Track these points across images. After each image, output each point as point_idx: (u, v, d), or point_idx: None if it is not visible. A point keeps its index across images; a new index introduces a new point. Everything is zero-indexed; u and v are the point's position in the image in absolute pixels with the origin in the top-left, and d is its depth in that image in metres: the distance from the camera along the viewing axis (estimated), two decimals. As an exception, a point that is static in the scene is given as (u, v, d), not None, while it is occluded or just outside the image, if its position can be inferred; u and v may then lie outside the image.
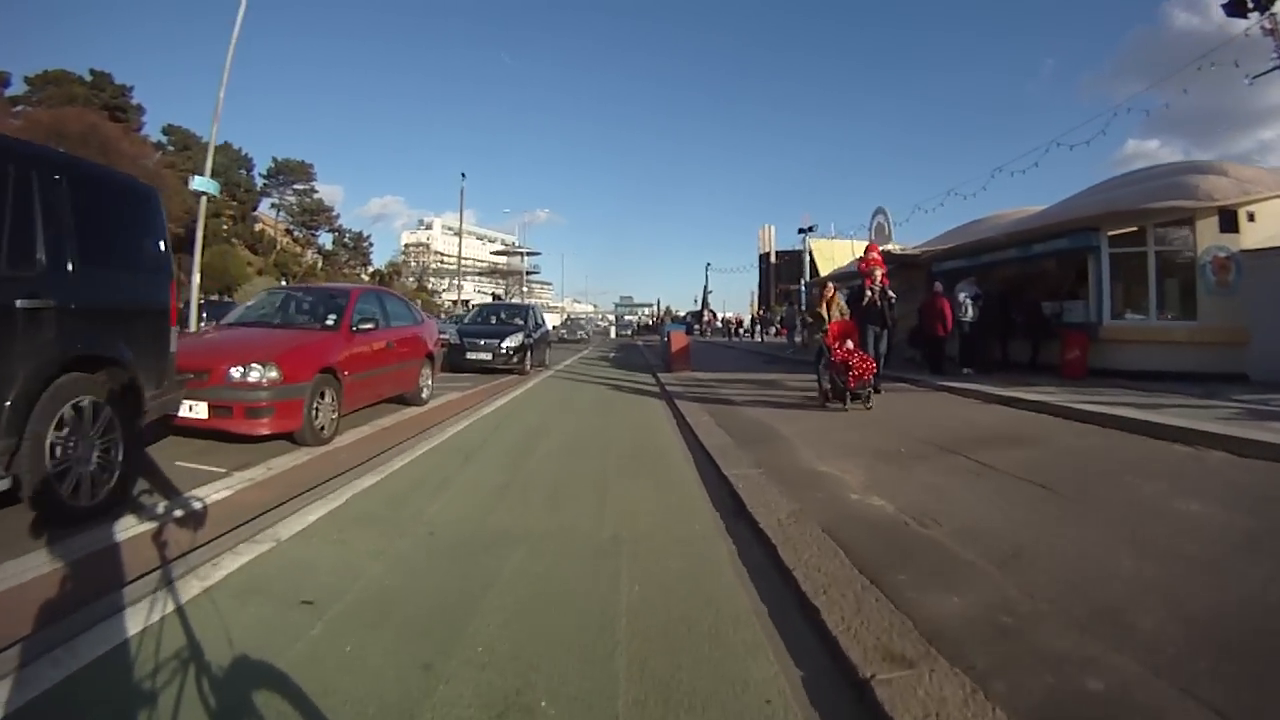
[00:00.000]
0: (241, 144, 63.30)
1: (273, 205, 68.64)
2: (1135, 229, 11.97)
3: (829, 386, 7.99)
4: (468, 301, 50.44)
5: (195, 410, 5.83)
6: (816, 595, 2.83)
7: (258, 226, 65.02)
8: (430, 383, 9.24)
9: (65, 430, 3.90)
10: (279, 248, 64.64)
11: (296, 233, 70.28)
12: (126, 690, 2.12)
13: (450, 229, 62.94)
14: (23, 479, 3.59)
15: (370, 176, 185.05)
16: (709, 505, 4.38)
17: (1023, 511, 4.11)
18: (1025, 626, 2.57)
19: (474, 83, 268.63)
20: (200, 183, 20.75)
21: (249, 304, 8.34)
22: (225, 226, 58.11)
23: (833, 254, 39.13)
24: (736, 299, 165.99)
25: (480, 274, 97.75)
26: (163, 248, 5.24)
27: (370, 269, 78.45)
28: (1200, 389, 9.36)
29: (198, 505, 4.16)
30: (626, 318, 68.30)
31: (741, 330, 45.03)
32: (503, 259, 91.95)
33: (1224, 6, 11.40)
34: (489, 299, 50.26)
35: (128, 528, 3.73)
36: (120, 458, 4.36)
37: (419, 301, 64.79)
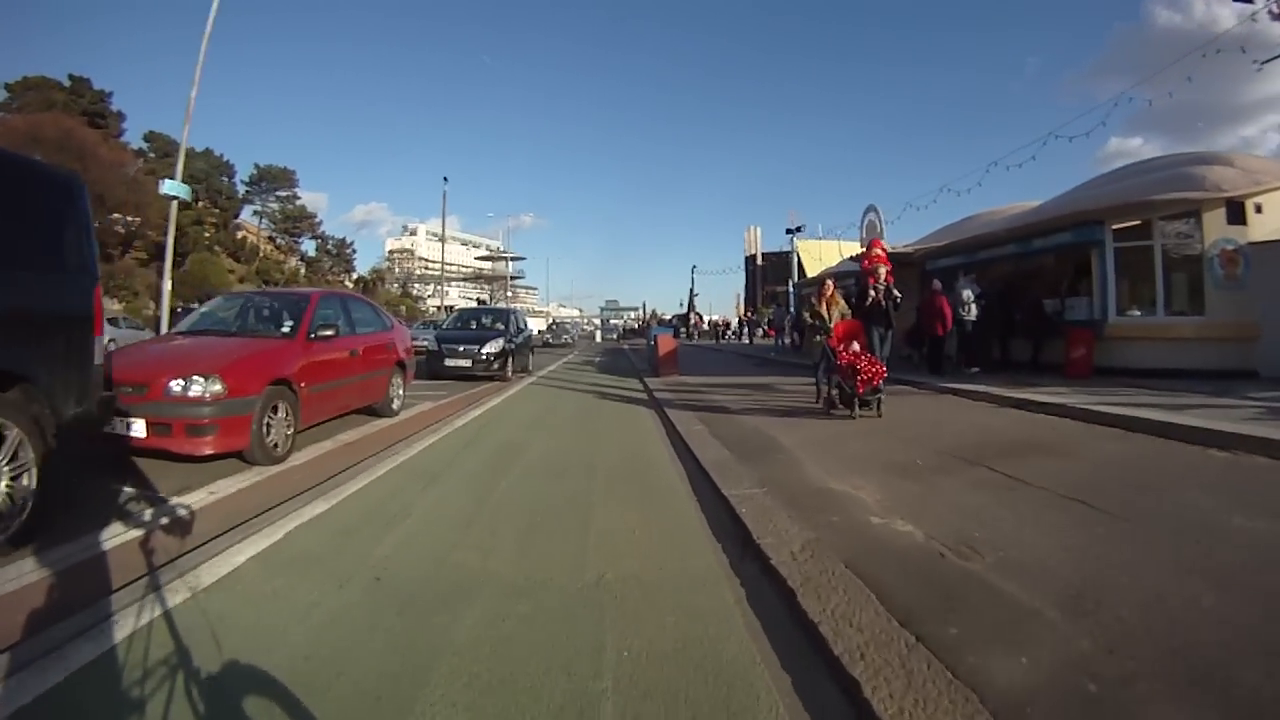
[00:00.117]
0: (225, 151, 62.77)
1: (255, 212, 68.18)
2: (1139, 222, 11.59)
3: (834, 392, 7.42)
4: (451, 307, 49.64)
5: (133, 428, 5.20)
6: (854, 662, 2.25)
7: (240, 234, 64.07)
8: (402, 392, 8.59)
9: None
10: (261, 255, 63.64)
11: (279, 240, 69.40)
12: None
13: (435, 235, 62.19)
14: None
15: (355, 183, 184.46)
16: (709, 535, 3.78)
17: (1070, 536, 3.55)
18: (1119, 696, 2.03)
19: (456, 87, 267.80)
20: (171, 186, 20.08)
21: (203, 310, 7.65)
22: (208, 234, 57.34)
23: (820, 254, 38.83)
24: (722, 302, 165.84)
25: (465, 279, 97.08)
26: (85, 245, 4.56)
27: (354, 275, 77.76)
28: (1211, 386, 8.97)
29: (111, 544, 3.51)
30: (612, 322, 67.86)
31: (729, 333, 44.48)
32: (487, 264, 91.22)
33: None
34: (474, 304, 49.44)
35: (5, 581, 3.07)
36: (33, 486, 3.72)
37: (403, 308, 64.66)
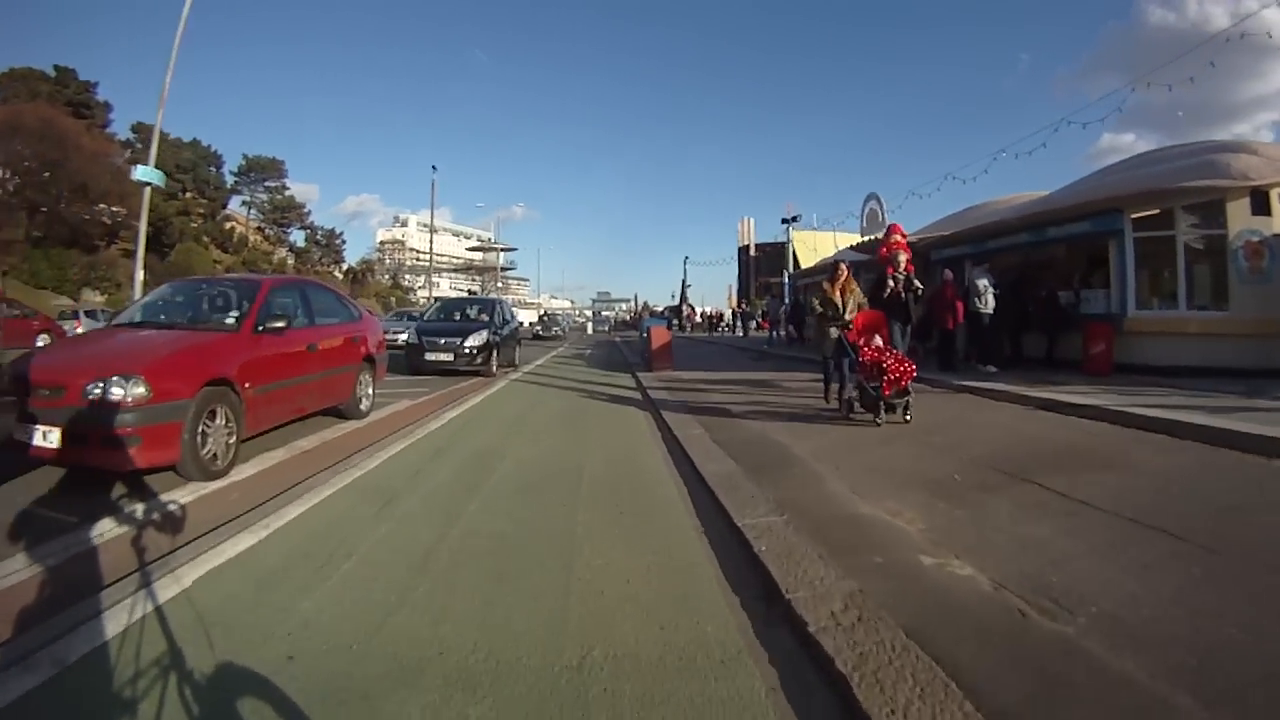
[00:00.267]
0: (219, 144, 61.87)
1: (244, 203, 67.06)
2: (1159, 211, 10.94)
3: (854, 394, 6.66)
4: (439, 299, 48.67)
5: (47, 438, 4.43)
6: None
7: (228, 224, 62.91)
8: (371, 391, 7.78)
9: None
10: (250, 246, 62.49)
11: (268, 231, 68.18)
12: None
13: (426, 226, 61.14)
14: None
15: (346, 175, 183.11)
16: (722, 584, 3.02)
17: (1163, 579, 2.88)
18: None
19: (448, 80, 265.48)
20: (143, 172, 19.11)
21: (145, 300, 6.81)
22: (195, 224, 56.25)
23: (816, 245, 38.01)
24: (714, 293, 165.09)
25: (456, 270, 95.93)
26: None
27: (343, 267, 76.70)
28: (1241, 386, 8.34)
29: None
30: (604, 314, 67.28)
31: (722, 325, 43.70)
32: (478, 255, 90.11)
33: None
34: (464, 295, 48.48)
35: None
36: None
37: (393, 299, 63.57)
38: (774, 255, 53.89)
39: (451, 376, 12.32)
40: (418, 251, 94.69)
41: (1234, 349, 9.95)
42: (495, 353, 13.02)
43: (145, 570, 3.03)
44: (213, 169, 60.86)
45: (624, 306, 73.87)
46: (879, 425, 6.18)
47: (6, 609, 2.67)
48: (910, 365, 6.18)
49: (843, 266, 7.13)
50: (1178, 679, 2.05)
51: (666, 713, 1.99)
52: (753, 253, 64.46)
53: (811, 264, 30.44)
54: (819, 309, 7.12)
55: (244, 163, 65.35)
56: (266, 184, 67.65)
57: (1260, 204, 10.18)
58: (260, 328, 5.68)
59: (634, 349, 21.46)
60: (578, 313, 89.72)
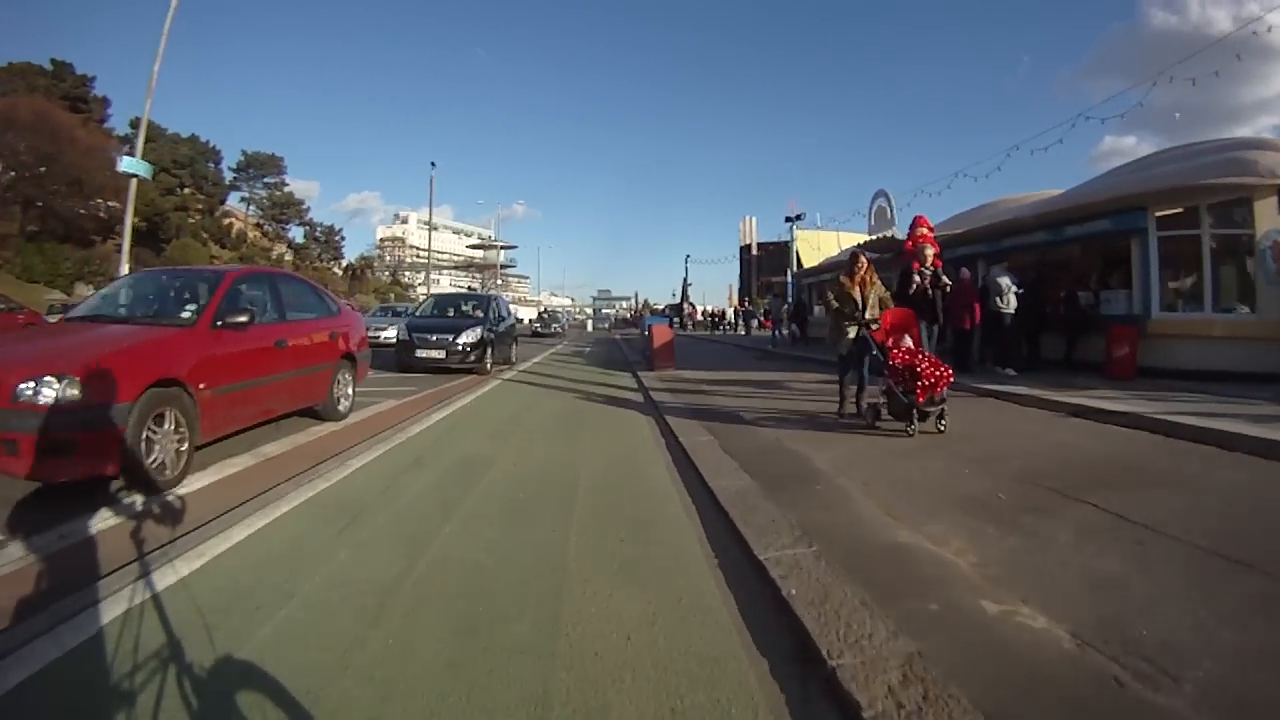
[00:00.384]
0: (219, 141, 61.36)
1: (243, 199, 66.43)
2: (1182, 209, 10.50)
3: (881, 401, 6.08)
4: (434, 294, 48.11)
5: (-26, 443, 3.88)
6: None
7: (226, 220, 62.30)
8: (351, 391, 7.21)
9: None
10: (248, 242, 61.91)
11: (267, 227, 67.56)
12: None
13: (426, 223, 60.56)
14: None
15: (347, 172, 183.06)
16: (745, 641, 2.43)
17: (1268, 629, 2.37)
18: None
19: (449, 78, 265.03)
20: (129, 164, 18.46)
21: (104, 291, 6.25)
22: (193, 220, 55.68)
23: (819, 244, 37.32)
24: (715, 292, 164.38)
25: (456, 268, 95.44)
26: None
27: (343, 263, 76.19)
28: (1268, 392, 7.86)
29: None
30: (604, 311, 66.80)
31: (724, 324, 43.08)
32: (479, 253, 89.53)
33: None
34: (460, 291, 47.78)
35: None
36: None
37: (392, 295, 62.98)
38: (776, 254, 53.28)
39: (444, 375, 11.77)
40: (418, 249, 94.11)
41: (1260, 353, 9.50)
42: (490, 350, 12.45)
43: (29, 622, 2.47)
44: (211, 165, 60.26)
45: (624, 305, 73.30)
46: (910, 435, 5.59)
47: None
48: (946, 370, 5.57)
49: (863, 258, 6.48)
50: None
51: None
52: (754, 252, 63.71)
53: (815, 263, 29.79)
54: (835, 305, 6.50)
55: (243, 159, 64.74)
56: (266, 180, 67.10)
57: (1288, 202, 9.75)
58: (219, 323, 5.11)
59: (634, 347, 20.91)
60: (578, 310, 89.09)
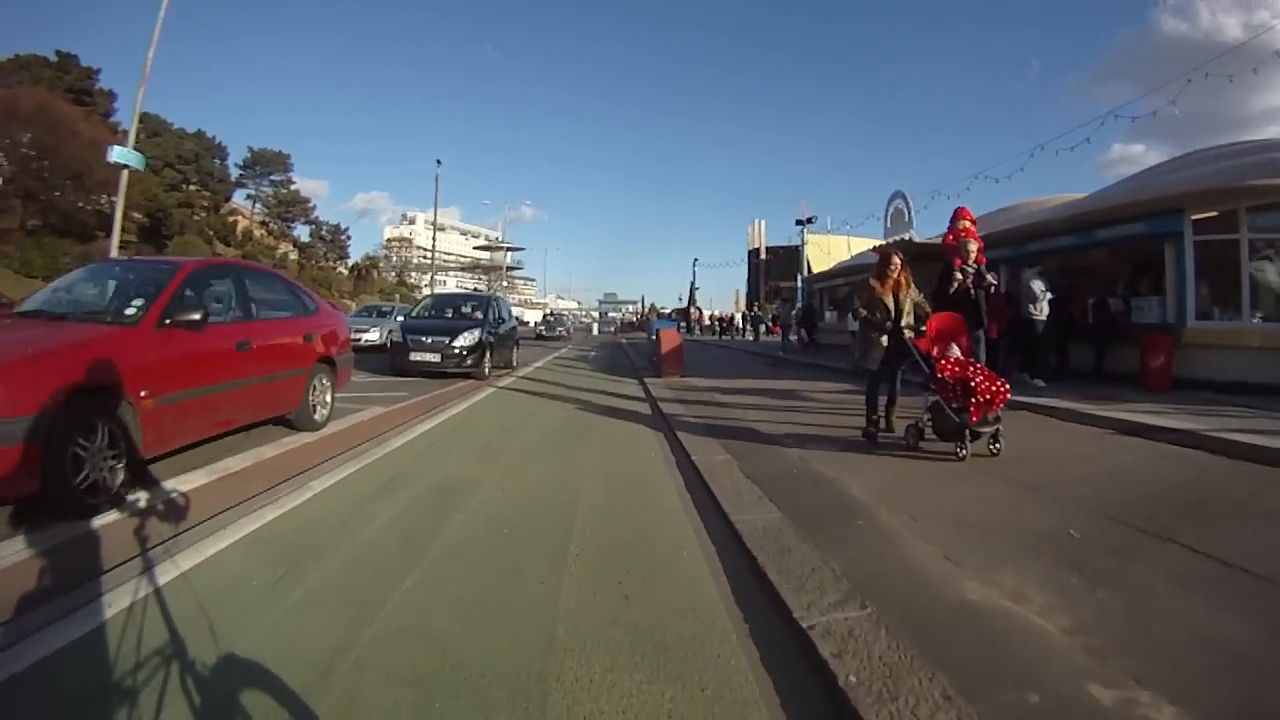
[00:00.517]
0: (228, 139, 61.11)
1: (249, 196, 65.87)
2: (1217, 213, 9.88)
3: (925, 419, 5.31)
4: (432, 294, 47.53)
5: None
6: None
7: (232, 218, 61.89)
8: (329, 398, 6.54)
9: None
10: (253, 239, 61.47)
11: (272, 225, 67.09)
12: None
13: (432, 223, 60.01)
14: None
15: (356, 172, 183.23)
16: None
17: None
18: None
19: (458, 78, 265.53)
20: (119, 153, 17.77)
21: (54, 284, 5.60)
22: (198, 217, 55.27)
23: (829, 249, 36.55)
24: (722, 297, 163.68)
25: (462, 269, 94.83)
26: None
27: (349, 263, 75.78)
28: None
29: None
30: (610, 315, 66.14)
31: (732, 329, 42.31)
32: (485, 254, 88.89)
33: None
34: (460, 291, 47.07)
35: None
36: None
37: (397, 296, 62.43)
38: (785, 258, 52.46)
39: (440, 379, 11.10)
40: (424, 249, 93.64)
41: (1301, 365, 8.93)
42: (488, 354, 11.76)
43: None
44: (217, 161, 59.74)
45: (630, 308, 72.50)
46: (961, 459, 4.88)
47: None
48: (1003, 384, 4.84)
49: (895, 258, 5.71)
50: None
51: None
52: (763, 256, 62.89)
53: (826, 268, 29.07)
54: (864, 313, 5.74)
55: (249, 156, 64.24)
56: (272, 178, 66.54)
57: (1326, 207, 9.15)
58: (168, 321, 4.44)
59: (640, 352, 20.24)
60: (584, 314, 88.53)
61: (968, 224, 7.03)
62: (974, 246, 6.34)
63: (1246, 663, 2.13)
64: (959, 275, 6.22)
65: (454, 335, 11.32)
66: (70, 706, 1.92)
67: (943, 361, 5.10)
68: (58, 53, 46.04)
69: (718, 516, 3.82)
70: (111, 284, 5.23)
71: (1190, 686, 1.98)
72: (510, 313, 15.47)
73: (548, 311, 52.23)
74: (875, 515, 3.75)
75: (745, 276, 69.40)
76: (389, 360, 11.85)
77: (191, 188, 56.74)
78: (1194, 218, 10.01)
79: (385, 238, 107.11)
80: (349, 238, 75.71)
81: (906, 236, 16.56)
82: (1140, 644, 2.28)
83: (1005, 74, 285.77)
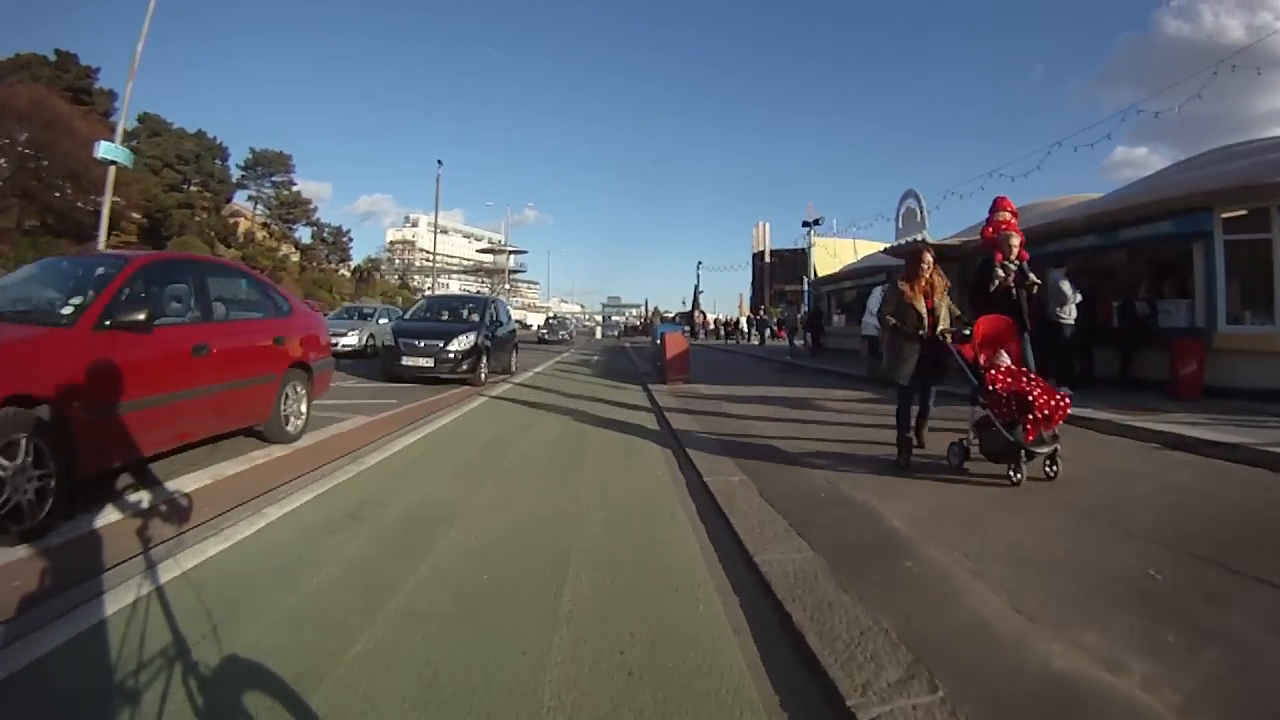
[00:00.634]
0: (231, 141, 60.62)
1: (250, 197, 65.40)
2: (1246, 211, 9.43)
3: (971, 438, 4.68)
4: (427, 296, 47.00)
5: None
6: None
7: (232, 219, 61.46)
8: (304, 407, 5.97)
9: None
10: (254, 241, 61.02)
11: (273, 227, 66.63)
12: None
13: (434, 225, 59.40)
14: None
15: (359, 174, 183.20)
16: None
17: None
18: None
19: (461, 81, 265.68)
20: (107, 149, 17.42)
21: (5, 280, 5.06)
22: (199, 218, 54.85)
23: (836, 252, 35.99)
24: (724, 300, 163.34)
25: (465, 272, 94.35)
26: None
27: (351, 265, 75.33)
28: None
29: None
30: (614, 318, 65.59)
31: (737, 333, 41.69)
32: (488, 257, 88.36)
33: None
34: (457, 293, 46.41)
35: None
36: None
37: (399, 299, 61.92)
38: (790, 261, 51.90)
39: (435, 385, 10.55)
40: (427, 252, 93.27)
41: (1336, 373, 8.46)
42: (485, 358, 11.18)
43: None
44: (218, 162, 59.29)
45: (634, 312, 71.85)
46: (1015, 483, 4.26)
47: None
48: (1064, 399, 4.24)
49: (928, 256, 5.00)
50: None
51: None
52: (768, 259, 62.29)
53: (832, 271, 28.49)
54: (893, 322, 5.00)
55: (250, 156, 63.78)
56: (273, 179, 66.06)
57: (1359, 206, 8.69)
58: (108, 322, 3.89)
59: (644, 356, 19.67)
60: (587, 317, 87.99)
61: (1009, 215, 6.41)
62: (1016, 240, 5.75)
63: None
64: (1000, 272, 5.63)
65: (448, 339, 10.75)
66: None
67: (993, 372, 4.50)
68: (57, 51, 45.73)
69: (738, 554, 3.24)
70: (52, 282, 4.66)
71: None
72: (509, 315, 14.88)
73: (550, 315, 51.63)
74: (923, 553, 3.18)
75: (749, 279, 68.76)
76: (380, 365, 11.31)
77: (192, 188, 56.35)
78: (1223, 216, 9.53)
79: (388, 240, 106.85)
80: (351, 240, 75.30)
81: (919, 237, 15.98)
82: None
83: (1009, 78, 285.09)
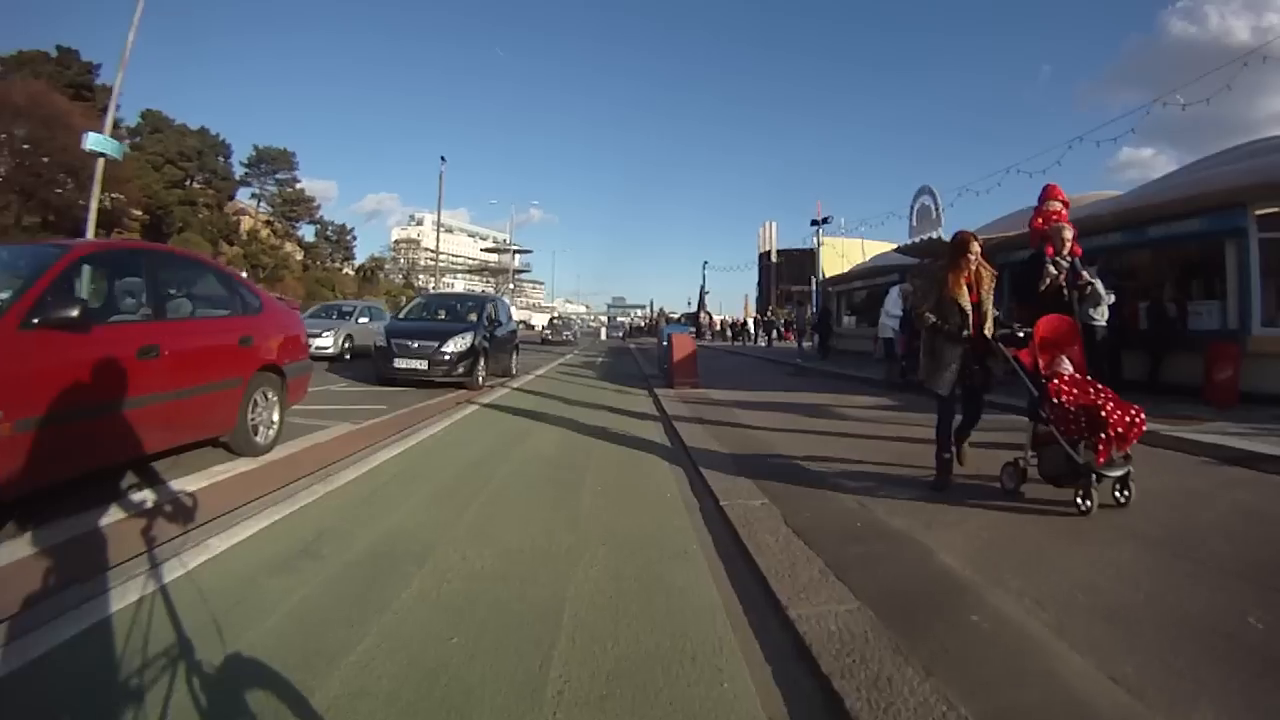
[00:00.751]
0: (236, 139, 60.33)
1: (253, 195, 65.15)
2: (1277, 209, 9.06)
3: (1029, 457, 4.07)
4: (423, 294, 46.44)
5: None
6: None
7: (235, 216, 61.12)
8: (277, 416, 5.42)
9: None
10: (257, 239, 60.65)
11: (276, 224, 66.28)
12: None
13: (442, 225, 58.78)
14: None
15: (365, 172, 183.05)
16: None
17: None
18: None
19: (468, 81, 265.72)
20: (95, 140, 16.85)
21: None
22: (201, 215, 54.54)
23: (844, 251, 35.39)
24: (731, 301, 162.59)
25: (470, 271, 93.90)
26: None
27: (354, 264, 74.98)
28: None
29: None
30: (618, 319, 64.99)
31: (744, 334, 41.03)
32: (493, 256, 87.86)
33: None
34: (455, 291, 45.71)
35: None
36: None
37: (403, 299, 61.39)
38: (797, 261, 51.19)
39: (429, 389, 10.02)
40: (432, 251, 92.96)
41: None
42: (482, 360, 10.61)
43: None
44: (221, 159, 58.95)
45: (639, 313, 71.15)
46: (1084, 512, 3.66)
47: None
48: (1139, 413, 3.65)
49: (975, 244, 4.33)
50: None
51: None
52: (774, 259, 61.50)
53: (840, 271, 27.93)
54: (931, 320, 4.35)
55: (254, 154, 63.42)
56: (277, 176, 65.72)
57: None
58: (36, 320, 3.37)
59: (650, 358, 19.13)
60: (592, 318, 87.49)
61: (1059, 206, 5.82)
62: (1069, 234, 5.18)
63: None
64: (1052, 269, 5.07)
65: (444, 340, 10.18)
66: None
67: (1055, 381, 3.92)
68: (58, 48, 45.46)
69: (767, 604, 2.68)
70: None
71: None
72: (510, 315, 14.29)
73: (554, 316, 51.06)
74: (987, 601, 2.63)
75: (755, 280, 67.99)
76: (373, 367, 10.77)
77: (195, 185, 56.04)
78: (1257, 213, 9.14)
79: (393, 239, 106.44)
80: (354, 238, 74.98)
81: (934, 235, 15.39)
82: None
83: (1018, 79, 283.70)
